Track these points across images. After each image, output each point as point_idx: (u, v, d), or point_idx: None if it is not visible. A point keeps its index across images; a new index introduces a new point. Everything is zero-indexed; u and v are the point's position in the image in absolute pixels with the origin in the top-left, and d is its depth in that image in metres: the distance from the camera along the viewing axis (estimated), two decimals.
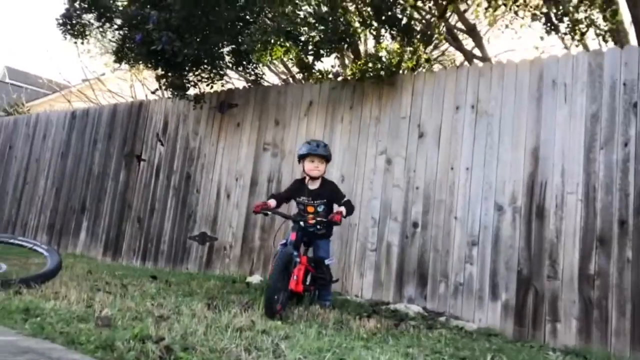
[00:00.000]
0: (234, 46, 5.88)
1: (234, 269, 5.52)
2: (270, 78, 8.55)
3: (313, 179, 4.17)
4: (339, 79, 5.46)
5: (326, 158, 4.20)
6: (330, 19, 5.00)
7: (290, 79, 7.93)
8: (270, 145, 5.67)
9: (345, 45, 5.31)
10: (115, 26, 5.99)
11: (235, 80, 8.21)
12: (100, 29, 6.18)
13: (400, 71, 5.15)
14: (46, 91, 15.44)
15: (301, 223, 4.04)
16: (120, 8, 5.79)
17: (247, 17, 5.61)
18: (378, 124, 5.02)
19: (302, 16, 5.22)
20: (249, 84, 6.48)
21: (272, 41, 4.97)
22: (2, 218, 8.13)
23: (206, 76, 5.95)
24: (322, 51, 5.18)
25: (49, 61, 37.68)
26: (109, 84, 11.39)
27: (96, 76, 11.97)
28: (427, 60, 5.61)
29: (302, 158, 4.19)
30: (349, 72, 5.73)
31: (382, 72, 4.86)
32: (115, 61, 6.35)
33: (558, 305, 3.91)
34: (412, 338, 3.31)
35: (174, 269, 5.95)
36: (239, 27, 5.59)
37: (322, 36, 5.02)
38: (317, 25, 5.03)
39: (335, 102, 5.31)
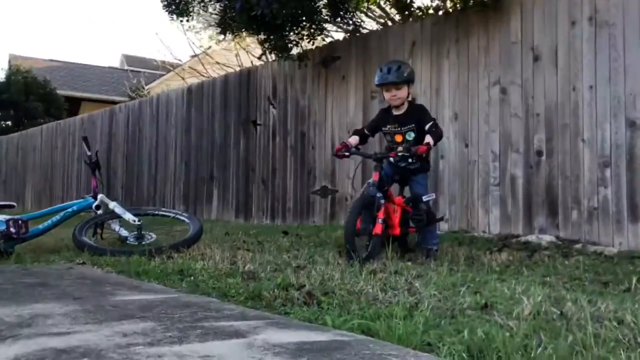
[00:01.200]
0: None
1: None
2: (368, 24, 8.43)
3: (397, 106, 3.86)
4: (440, 13, 5.26)
5: (405, 82, 3.78)
6: None
7: (390, 22, 7.76)
8: (378, 93, 5.64)
9: None
10: None
11: (334, 34, 8.20)
12: (202, 4, 6.43)
13: None
14: (161, 72, 16.42)
15: (385, 160, 3.73)
16: None
17: None
18: (488, 54, 4.80)
19: None
20: (349, 34, 6.45)
21: None
22: (143, 194, 8.95)
23: (306, 33, 6.01)
24: None
25: (159, 43, 39.78)
26: (216, 56, 11.87)
27: (203, 50, 12.52)
28: None
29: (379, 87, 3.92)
30: (449, 4, 5.49)
31: None
32: (220, 33, 6.62)
33: None
34: (547, 267, 3.25)
35: (301, 223, 6.23)
36: None
37: None
38: None
39: (440, 38, 5.15)
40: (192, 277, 3.01)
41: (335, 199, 5.99)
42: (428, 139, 3.64)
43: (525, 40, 4.57)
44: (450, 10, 5.23)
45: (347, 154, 3.82)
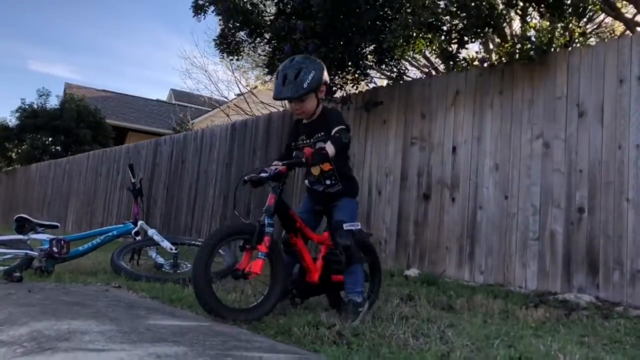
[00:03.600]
0: (375, 45, 6.00)
1: (390, 263, 5.63)
2: (412, 73, 8.56)
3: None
4: (486, 64, 5.31)
5: (307, 94, 3.08)
6: (473, 4, 4.89)
7: (433, 71, 7.86)
8: (418, 139, 5.68)
9: (490, 30, 5.16)
10: (265, 40, 6.42)
11: (378, 80, 8.34)
12: (252, 44, 6.66)
13: (552, 49, 4.88)
14: (207, 108, 16.91)
15: (307, 182, 3.18)
16: (269, 22, 6.20)
17: (388, 13, 5.69)
18: (532, 107, 4.80)
19: (442, 6, 5.17)
20: (392, 81, 6.55)
21: (414, 35, 5.00)
22: (180, 224, 9.09)
23: (351, 77, 6.14)
24: (465, 38, 5.10)
25: (207, 80, 41.08)
26: (261, 95, 12.18)
27: (249, 89, 12.87)
28: (582, 35, 5.25)
29: None
30: (495, 56, 5.55)
31: (532, 52, 4.64)
32: (267, 73, 6.81)
33: None
34: (586, 327, 3.14)
35: None
36: (379, 25, 5.69)
37: (465, 23, 4.93)
38: (459, 12, 4.95)
39: (483, 89, 5.18)
40: None
41: None
42: (328, 145, 2.96)
43: (571, 96, 4.56)
44: (496, 62, 5.28)
45: (255, 180, 3.08)
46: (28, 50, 59.71)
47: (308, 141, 3.18)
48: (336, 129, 3.04)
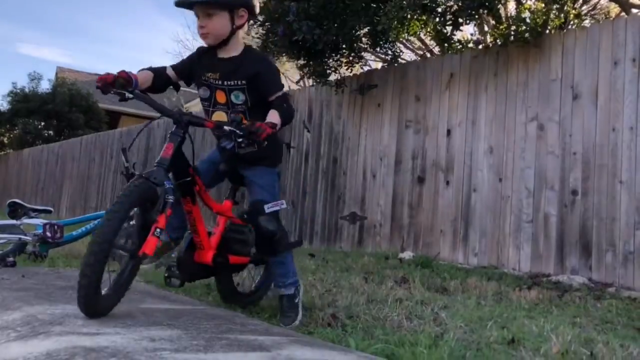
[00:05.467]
0: (369, 27, 5.95)
1: (385, 246, 5.64)
2: (407, 55, 8.51)
3: (222, 44, 2.49)
4: (480, 46, 5.28)
5: (222, 5, 2.41)
6: None
7: (428, 54, 7.82)
8: (412, 122, 5.67)
9: (485, 11, 5.12)
10: (258, 22, 6.35)
11: (373, 62, 8.30)
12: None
13: (547, 31, 4.86)
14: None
15: (223, 141, 2.38)
16: (262, 4, 6.13)
17: None
18: (526, 89, 4.79)
19: None
20: (387, 64, 6.51)
21: (409, 17, 4.96)
22: None
23: (345, 60, 6.10)
24: (460, 20, 5.06)
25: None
26: None
27: None
28: (577, 16, 5.22)
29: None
30: (490, 38, 5.52)
31: (527, 34, 4.62)
32: None
33: None
34: (578, 308, 3.17)
35: (328, 247, 6.22)
36: (374, 7, 5.64)
37: (459, 4, 4.89)
38: None
39: (478, 71, 5.16)
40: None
41: (363, 226, 5.97)
42: (274, 116, 2.37)
43: (565, 78, 4.54)
44: (491, 44, 5.25)
45: (121, 92, 2.28)
46: (18, 33, 59.06)
47: (219, 82, 2.48)
48: (279, 93, 2.47)
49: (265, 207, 2.48)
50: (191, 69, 2.59)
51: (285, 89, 2.67)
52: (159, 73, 2.55)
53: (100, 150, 11.56)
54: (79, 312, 1.96)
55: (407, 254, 5.15)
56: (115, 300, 2.11)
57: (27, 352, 1.54)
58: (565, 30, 4.75)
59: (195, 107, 16.48)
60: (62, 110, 15.85)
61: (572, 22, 5.06)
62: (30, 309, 2.13)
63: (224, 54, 2.52)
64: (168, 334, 1.85)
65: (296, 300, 2.54)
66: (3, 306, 2.23)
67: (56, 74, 20.85)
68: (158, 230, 2.08)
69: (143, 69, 2.52)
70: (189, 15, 25.18)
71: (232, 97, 2.49)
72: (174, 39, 47.19)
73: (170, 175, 2.29)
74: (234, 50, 2.51)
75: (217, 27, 2.44)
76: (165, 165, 2.23)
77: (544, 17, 4.75)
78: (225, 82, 2.48)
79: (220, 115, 2.53)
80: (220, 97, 2.49)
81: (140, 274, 3.56)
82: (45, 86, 17.89)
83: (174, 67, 2.61)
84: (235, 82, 2.47)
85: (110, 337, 1.74)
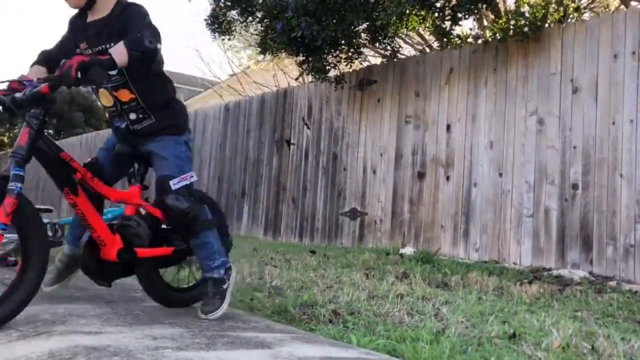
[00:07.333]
0: (368, 23, 5.94)
1: (385, 242, 5.65)
2: (406, 50, 8.49)
3: (88, 5, 2.21)
4: (479, 41, 5.27)
5: None
6: None
7: (427, 49, 7.81)
8: (412, 118, 5.66)
9: (484, 6, 5.11)
10: (257, 19, 6.34)
11: (372, 58, 8.28)
12: (244, 24, 6.58)
13: (546, 25, 4.85)
14: (200, 89, 16.78)
15: (107, 114, 2.18)
16: (260, 1, 6.12)
17: None
18: (526, 84, 4.78)
19: None
20: (386, 59, 6.51)
21: (407, 12, 4.95)
22: None
23: (344, 56, 6.09)
24: (459, 15, 5.05)
25: (199, 61, 40.71)
26: (254, 75, 12.09)
27: (242, 69, 12.77)
28: (576, 10, 5.21)
29: None
30: (489, 33, 5.51)
31: (527, 29, 4.61)
32: (259, 53, 6.75)
33: None
34: (579, 302, 3.17)
35: (329, 244, 6.23)
36: (372, 2, 5.63)
37: None
38: None
39: (478, 66, 5.15)
40: None
41: (364, 222, 5.98)
42: (116, 48, 2.01)
43: (565, 72, 4.54)
44: (490, 39, 5.24)
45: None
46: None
47: (88, 52, 2.15)
48: (137, 28, 2.07)
49: (171, 183, 2.21)
50: (67, 44, 2.29)
51: (150, 25, 2.19)
52: (52, 62, 2.21)
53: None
54: (82, 311, 1.97)
55: (408, 250, 5.16)
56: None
57: (30, 351, 1.55)
58: (564, 24, 4.74)
59: (194, 104, 16.46)
60: (62, 109, 15.86)
61: (571, 16, 5.05)
62: (32, 308, 2.14)
63: (93, 16, 2.20)
64: (170, 332, 1.86)
65: (224, 286, 2.26)
66: None
67: None
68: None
69: (34, 64, 2.28)
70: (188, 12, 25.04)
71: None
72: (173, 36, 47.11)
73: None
74: (102, 9, 2.17)
75: None
76: (20, 156, 1.94)
77: (543, 11, 4.75)
78: (93, 50, 2.14)
79: (104, 94, 2.23)
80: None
81: None
82: None
83: (58, 49, 2.30)
84: (102, 47, 2.11)
85: (113, 335, 1.75)
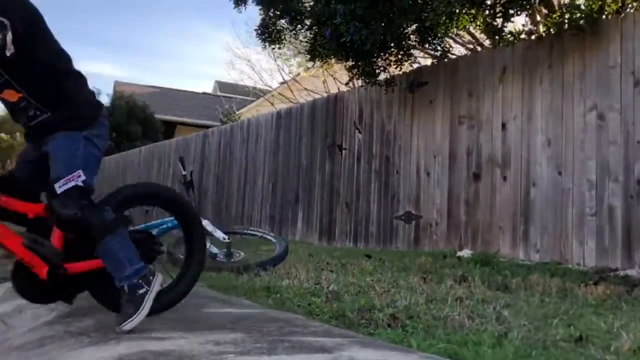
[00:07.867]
0: (417, 24, 5.89)
1: (442, 245, 5.57)
2: (457, 50, 8.36)
3: None
4: (533, 37, 5.14)
5: None
6: None
7: (479, 47, 7.66)
8: (466, 118, 5.57)
9: (536, 0, 4.98)
10: (306, 26, 6.41)
11: (422, 59, 8.20)
12: (293, 32, 6.67)
13: (604, 16, 4.67)
14: (252, 98, 17.08)
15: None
16: (308, 8, 6.18)
17: None
18: (583, 79, 4.62)
19: None
20: (437, 60, 6.43)
21: (457, 11, 4.88)
22: (231, 214, 9.27)
23: (394, 59, 6.06)
24: (511, 11, 4.94)
25: (250, 70, 41.42)
26: (304, 82, 12.21)
27: (292, 77, 12.91)
28: None
29: None
30: (542, 28, 5.36)
31: (582, 22, 4.46)
32: (309, 60, 6.81)
33: None
34: None
35: (384, 248, 6.20)
36: (421, 3, 5.59)
37: None
38: None
39: (532, 63, 5.01)
40: (278, 295, 3.08)
41: (419, 225, 5.92)
42: None
43: (625, 65, 4.36)
44: (544, 34, 5.10)
45: None
46: (76, 51, 61.62)
47: None
48: None
49: (56, 186, 1.94)
50: None
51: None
52: None
53: (158, 160, 11.93)
54: (146, 318, 2.04)
55: (466, 252, 5.07)
56: None
57: (100, 356, 1.62)
58: (623, 14, 4.56)
59: (246, 113, 16.75)
60: (120, 123, 16.47)
61: (630, 5, 4.85)
62: (101, 315, 2.24)
63: None
64: (232, 337, 1.90)
65: (141, 291, 2.03)
66: (76, 313, 2.35)
67: (114, 87, 21.69)
68: None
69: None
70: (237, 24, 25.55)
71: None
72: (224, 47, 48.22)
73: None
74: None
75: None
76: None
77: (600, 2, 4.58)
78: None
79: (10, 94, 2.02)
80: None
81: (203, 278, 3.66)
82: (104, 100, 18.65)
83: None
84: None
85: (176, 341, 1.81)
